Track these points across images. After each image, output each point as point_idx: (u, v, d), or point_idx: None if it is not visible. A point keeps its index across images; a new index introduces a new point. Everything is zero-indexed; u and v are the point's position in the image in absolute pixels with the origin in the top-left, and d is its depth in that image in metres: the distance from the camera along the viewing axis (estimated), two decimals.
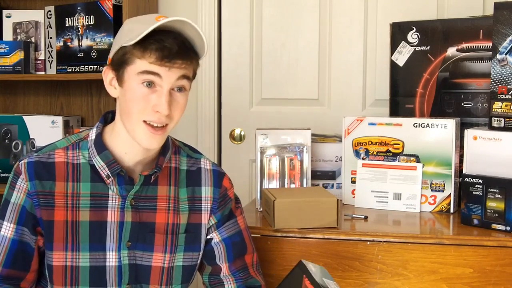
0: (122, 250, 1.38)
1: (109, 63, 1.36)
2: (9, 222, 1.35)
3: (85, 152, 1.38)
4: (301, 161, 1.89)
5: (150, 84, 1.29)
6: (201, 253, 1.46)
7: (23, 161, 1.35)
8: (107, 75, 1.37)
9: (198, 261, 1.47)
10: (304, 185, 1.89)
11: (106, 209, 1.37)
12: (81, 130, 1.47)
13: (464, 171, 1.76)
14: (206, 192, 1.46)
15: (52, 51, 2.55)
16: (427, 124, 1.85)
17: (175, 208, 1.43)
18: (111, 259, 1.38)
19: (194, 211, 1.45)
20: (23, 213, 1.35)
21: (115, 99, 1.40)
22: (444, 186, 1.84)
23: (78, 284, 1.36)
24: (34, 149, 1.42)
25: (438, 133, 1.83)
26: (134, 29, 1.30)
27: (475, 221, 1.68)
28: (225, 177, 1.50)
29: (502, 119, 1.73)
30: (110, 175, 1.36)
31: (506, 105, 1.72)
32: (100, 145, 1.37)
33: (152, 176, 1.40)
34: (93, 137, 1.39)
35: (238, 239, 1.49)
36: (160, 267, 1.41)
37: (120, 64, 1.31)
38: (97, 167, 1.37)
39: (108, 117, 1.44)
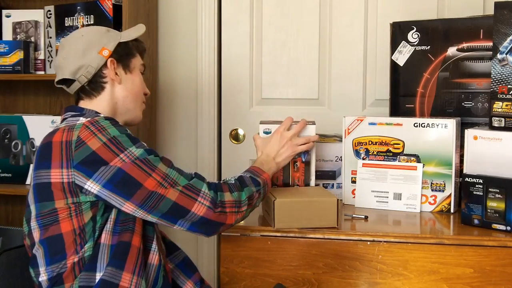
0: None
1: (109, 55, 1.61)
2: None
3: None
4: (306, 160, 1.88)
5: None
6: None
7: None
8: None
9: None
10: (311, 184, 1.86)
11: None
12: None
13: (464, 171, 1.76)
14: None
15: (51, 50, 2.55)
16: (428, 124, 1.84)
17: None
18: None
19: None
20: None
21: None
22: (444, 186, 1.84)
23: None
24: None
25: (439, 133, 1.83)
26: (118, 32, 1.68)
27: (476, 221, 1.68)
28: None
29: (503, 119, 1.72)
30: None
31: (506, 105, 1.72)
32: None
33: None
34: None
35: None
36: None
37: (126, 55, 1.64)
38: None
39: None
